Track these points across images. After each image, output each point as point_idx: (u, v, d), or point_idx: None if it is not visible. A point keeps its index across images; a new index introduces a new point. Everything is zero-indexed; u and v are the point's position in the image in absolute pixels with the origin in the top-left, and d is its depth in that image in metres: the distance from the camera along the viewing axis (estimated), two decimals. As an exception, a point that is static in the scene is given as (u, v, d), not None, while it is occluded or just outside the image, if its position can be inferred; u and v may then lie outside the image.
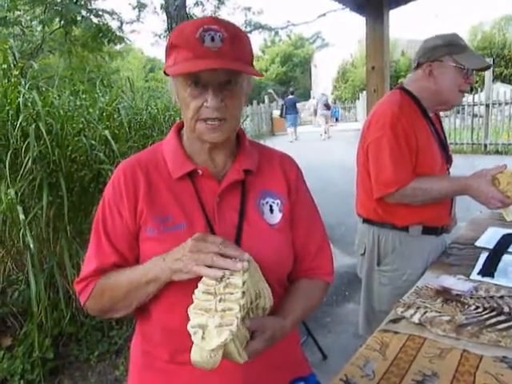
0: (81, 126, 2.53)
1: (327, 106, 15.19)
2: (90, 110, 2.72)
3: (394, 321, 1.21)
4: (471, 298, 1.25)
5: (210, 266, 0.69)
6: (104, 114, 2.75)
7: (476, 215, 2.23)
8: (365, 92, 3.37)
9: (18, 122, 2.18)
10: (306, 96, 25.64)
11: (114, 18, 8.72)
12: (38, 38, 8.34)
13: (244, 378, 0.82)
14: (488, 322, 1.12)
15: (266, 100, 18.32)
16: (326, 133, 14.45)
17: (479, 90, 10.16)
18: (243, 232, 0.84)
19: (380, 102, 1.69)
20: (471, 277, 1.43)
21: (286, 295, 0.89)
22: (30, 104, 2.36)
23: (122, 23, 9.19)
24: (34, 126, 2.16)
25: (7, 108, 2.29)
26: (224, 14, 11.92)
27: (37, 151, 2.14)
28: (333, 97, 22.01)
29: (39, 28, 8.32)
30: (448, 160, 1.69)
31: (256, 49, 32.01)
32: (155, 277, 0.76)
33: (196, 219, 0.83)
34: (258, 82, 26.12)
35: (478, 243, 1.75)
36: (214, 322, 0.63)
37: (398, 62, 19.24)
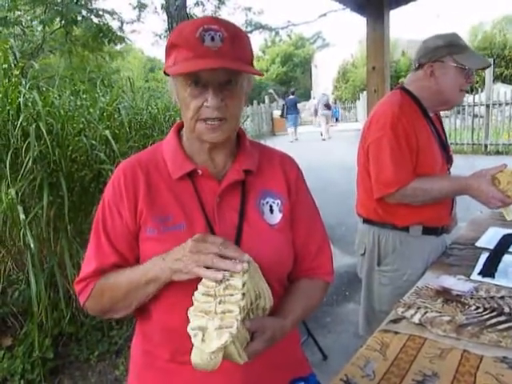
0: (81, 125, 2.53)
1: (328, 106, 15.19)
2: (91, 109, 2.72)
3: (395, 321, 1.21)
4: (471, 298, 1.25)
5: (209, 267, 0.69)
6: (104, 113, 2.75)
7: (476, 215, 2.23)
8: (365, 92, 3.37)
9: (19, 122, 2.18)
10: (307, 96, 25.66)
11: (114, 18, 8.73)
12: (38, 38, 8.34)
13: (244, 378, 0.82)
14: (488, 323, 1.12)
15: (267, 100, 18.33)
16: (326, 133, 14.44)
17: (480, 90, 10.15)
18: (243, 232, 0.84)
19: (380, 102, 1.69)
20: (472, 277, 1.43)
21: (286, 295, 0.89)
22: (30, 104, 2.36)
23: (122, 23, 9.20)
24: (34, 125, 2.16)
25: (8, 108, 2.29)
26: (224, 14, 11.94)
27: (37, 151, 2.14)
28: (333, 97, 22.01)
29: (40, 28, 8.32)
30: (449, 160, 1.68)
31: (256, 49, 32.04)
32: (155, 277, 0.76)
33: (196, 219, 0.83)
34: (259, 82, 26.14)
35: (479, 243, 1.75)
36: (213, 324, 0.63)
37: (399, 62, 19.24)
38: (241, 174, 0.87)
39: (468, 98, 9.65)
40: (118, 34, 8.52)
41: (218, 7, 11.01)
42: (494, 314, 1.16)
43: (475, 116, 9.94)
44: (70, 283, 2.28)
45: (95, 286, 0.84)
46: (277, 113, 17.14)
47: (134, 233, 0.84)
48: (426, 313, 1.18)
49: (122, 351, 2.48)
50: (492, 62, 11.03)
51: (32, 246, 2.02)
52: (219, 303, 0.65)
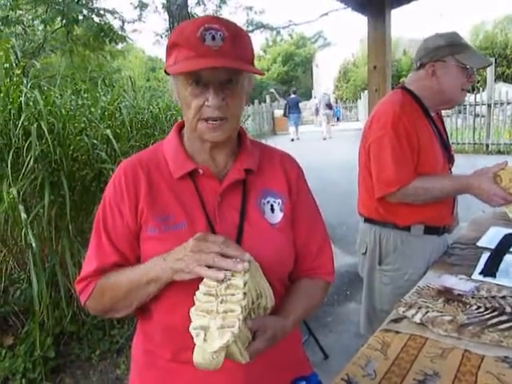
0: (82, 125, 2.53)
1: (329, 106, 15.19)
2: (92, 109, 2.72)
3: (396, 320, 1.21)
4: (473, 297, 1.24)
5: (211, 266, 0.69)
6: (106, 113, 2.75)
7: (478, 215, 2.23)
8: (366, 91, 3.36)
9: (20, 121, 2.19)
10: (308, 95, 25.63)
11: (115, 18, 8.72)
12: (39, 38, 8.35)
13: (246, 377, 0.82)
14: (490, 322, 1.12)
15: (268, 99, 18.33)
16: (327, 132, 14.44)
17: (481, 89, 10.14)
18: (244, 232, 0.84)
19: (381, 101, 1.69)
20: (473, 277, 1.43)
21: (287, 295, 0.89)
22: (31, 103, 2.36)
23: (123, 22, 9.20)
24: (35, 125, 2.16)
25: (9, 107, 2.30)
26: (226, 13, 11.95)
27: (39, 150, 2.14)
28: (334, 96, 21.98)
29: (41, 27, 8.32)
30: (450, 159, 1.68)
31: (257, 48, 32.04)
32: (156, 277, 0.76)
33: (197, 219, 0.83)
34: (260, 81, 26.14)
35: (480, 243, 1.75)
36: (215, 324, 0.63)
37: (400, 61, 19.20)
38: (242, 174, 0.87)
39: (469, 98, 9.63)
40: (119, 33, 8.51)
41: (219, 6, 11.02)
42: (496, 313, 1.16)
43: (477, 115, 9.93)
44: (72, 282, 2.28)
45: (96, 286, 0.84)
46: (278, 112, 17.15)
47: (135, 232, 0.84)
48: (427, 312, 1.18)
49: (123, 350, 2.48)
50: (493, 62, 11.03)
51: (33, 245, 2.02)
52: (221, 303, 0.65)
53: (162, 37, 11.20)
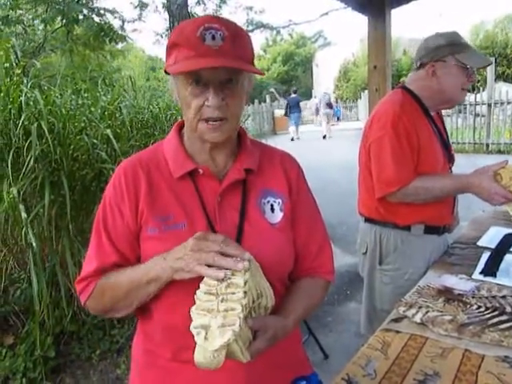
0: (83, 124, 2.53)
1: (330, 105, 15.19)
2: (92, 108, 2.72)
3: (396, 320, 1.21)
4: (473, 297, 1.24)
5: (211, 266, 0.69)
6: (106, 112, 2.75)
7: (478, 214, 2.23)
8: (366, 91, 3.36)
9: (20, 121, 2.19)
10: (308, 95, 25.62)
11: (115, 17, 8.72)
12: (40, 37, 8.35)
13: (247, 377, 0.82)
14: (490, 322, 1.12)
15: (268, 99, 18.32)
16: (327, 132, 14.44)
17: (481, 89, 10.13)
18: (244, 231, 0.84)
19: (382, 101, 1.69)
20: (473, 276, 1.43)
21: (288, 294, 0.89)
22: (32, 103, 2.36)
23: (123, 22, 9.20)
24: (36, 124, 2.16)
25: (9, 107, 2.30)
26: (226, 12, 11.94)
27: (39, 150, 2.14)
28: (334, 96, 21.98)
29: (41, 27, 8.33)
30: (450, 159, 1.68)
31: (258, 48, 32.02)
32: (156, 276, 0.76)
33: (197, 219, 0.83)
34: (260, 81, 26.12)
35: (480, 243, 1.75)
36: (216, 323, 0.63)
37: (400, 61, 19.18)
38: (242, 174, 0.87)
39: (470, 97, 9.63)
40: (120, 32, 8.52)
41: (220, 6, 11.00)
42: (496, 313, 1.16)
43: (477, 115, 9.92)
44: (72, 282, 2.28)
45: (96, 286, 0.84)
46: (278, 112, 17.14)
47: (135, 232, 0.84)
48: (427, 312, 1.18)
49: (123, 350, 2.49)
50: (494, 61, 11.02)
51: (34, 244, 2.02)
52: (221, 301, 0.65)
53: (162, 36, 11.20)
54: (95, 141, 2.43)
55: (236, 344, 0.65)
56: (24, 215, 2.03)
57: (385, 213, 1.64)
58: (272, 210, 0.88)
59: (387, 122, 1.53)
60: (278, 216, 0.88)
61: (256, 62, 0.84)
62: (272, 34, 17.07)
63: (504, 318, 1.14)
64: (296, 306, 0.87)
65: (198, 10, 10.06)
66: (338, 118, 20.03)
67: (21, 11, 7.99)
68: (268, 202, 0.89)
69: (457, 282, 1.33)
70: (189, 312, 0.66)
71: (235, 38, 0.76)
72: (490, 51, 16.15)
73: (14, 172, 2.13)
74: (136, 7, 10.05)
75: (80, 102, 2.75)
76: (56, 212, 2.33)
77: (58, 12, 7.27)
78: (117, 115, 2.80)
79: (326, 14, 12.04)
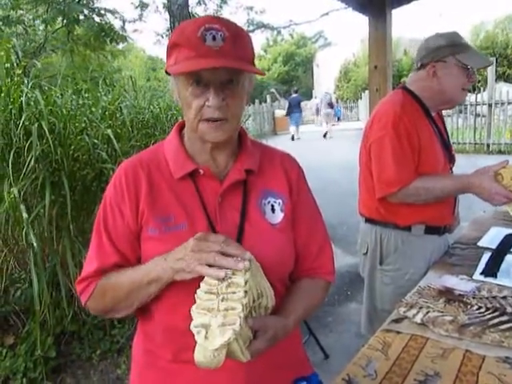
0: (83, 125, 2.53)
1: (331, 105, 15.19)
2: (93, 109, 2.72)
3: (397, 320, 1.21)
4: (474, 298, 1.24)
5: (211, 266, 0.69)
6: (106, 113, 2.75)
7: (479, 215, 2.22)
8: (367, 91, 3.37)
9: (21, 121, 2.19)
10: (308, 95, 25.61)
11: (116, 17, 8.74)
12: (40, 37, 8.36)
13: (247, 377, 0.82)
14: (491, 323, 1.12)
15: (268, 99, 18.31)
16: (328, 132, 14.44)
17: (482, 89, 10.12)
18: (245, 232, 0.84)
19: (382, 101, 1.69)
20: (474, 277, 1.43)
21: (288, 294, 0.89)
22: (32, 103, 2.36)
23: (124, 22, 9.22)
24: (36, 124, 2.17)
25: (10, 107, 2.30)
26: (226, 13, 11.94)
27: (39, 150, 2.14)
28: (335, 96, 21.98)
29: (42, 27, 8.34)
30: (451, 159, 1.68)
31: (258, 48, 32.04)
32: (157, 277, 0.76)
33: (198, 219, 0.83)
34: (260, 81, 26.12)
35: (481, 243, 1.74)
36: (216, 322, 0.63)
37: (401, 61, 19.17)
38: (242, 174, 0.87)
39: (470, 98, 9.62)
40: (120, 33, 8.53)
41: (220, 6, 11.02)
42: (497, 313, 1.16)
43: (477, 115, 9.92)
44: (72, 282, 2.28)
45: (97, 286, 0.84)
46: (278, 112, 17.14)
47: (136, 233, 0.84)
48: (428, 312, 1.18)
49: (123, 350, 2.48)
50: (494, 62, 11.02)
51: (34, 244, 2.02)
52: (222, 301, 0.65)
53: (162, 36, 11.22)
54: (96, 141, 2.43)
55: (236, 343, 0.65)
56: (25, 215, 2.03)
57: (385, 213, 1.64)
58: (272, 210, 0.88)
59: (388, 123, 1.53)
60: (278, 216, 0.88)
61: (256, 62, 0.84)
62: (272, 34, 17.11)
63: (504, 318, 1.13)
64: (296, 307, 0.87)
65: (199, 11, 10.09)
66: (339, 118, 20.03)
67: (21, 11, 8.00)
68: (268, 202, 0.89)
69: (457, 283, 1.33)
70: (189, 313, 0.66)
71: (236, 39, 0.76)
72: (491, 51, 16.14)
73: (15, 172, 2.14)
74: (137, 7, 10.08)
75: (81, 102, 2.75)
76: (57, 212, 2.33)
77: (59, 12, 7.29)
78: (117, 115, 2.80)
79: (327, 14, 12.07)
